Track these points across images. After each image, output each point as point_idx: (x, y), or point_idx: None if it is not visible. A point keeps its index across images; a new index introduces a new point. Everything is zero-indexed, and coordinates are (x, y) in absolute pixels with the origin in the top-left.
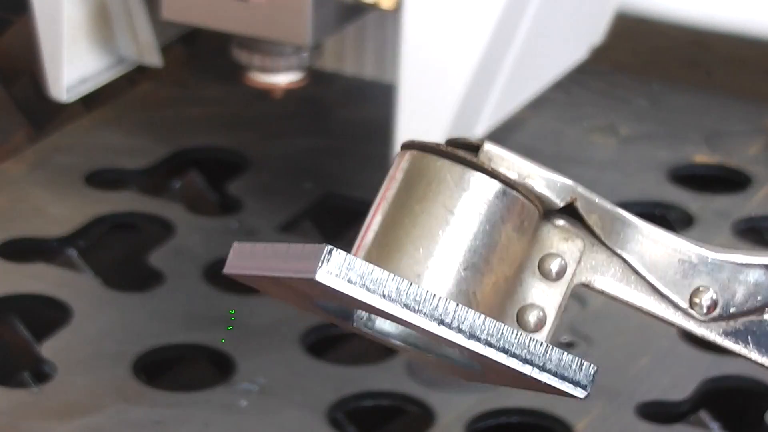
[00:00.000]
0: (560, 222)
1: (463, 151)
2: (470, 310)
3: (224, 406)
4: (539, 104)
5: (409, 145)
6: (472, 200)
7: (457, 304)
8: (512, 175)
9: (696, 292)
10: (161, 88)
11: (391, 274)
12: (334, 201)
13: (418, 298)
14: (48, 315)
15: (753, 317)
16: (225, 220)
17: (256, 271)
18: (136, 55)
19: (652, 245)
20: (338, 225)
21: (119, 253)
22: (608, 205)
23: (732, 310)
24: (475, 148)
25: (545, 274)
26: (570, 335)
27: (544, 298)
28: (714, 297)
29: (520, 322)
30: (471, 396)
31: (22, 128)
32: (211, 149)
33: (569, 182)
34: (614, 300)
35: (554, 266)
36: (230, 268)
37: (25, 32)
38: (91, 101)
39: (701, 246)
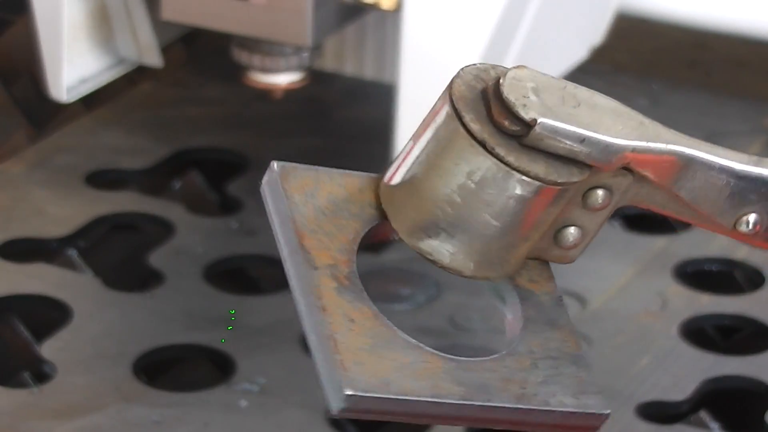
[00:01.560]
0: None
1: (511, 124)
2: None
3: (224, 406)
4: None
5: (454, 103)
6: (512, 198)
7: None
8: (563, 150)
9: (743, 215)
10: (161, 88)
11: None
12: None
13: (430, 409)
14: (48, 315)
15: None
16: (225, 220)
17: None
18: (136, 55)
19: (705, 182)
20: None
21: (119, 253)
22: (665, 151)
23: None
24: (525, 124)
25: (588, 206)
26: None
27: (585, 221)
28: (761, 219)
29: (558, 241)
30: None
31: (22, 128)
32: (211, 149)
33: (625, 146)
34: (658, 212)
35: (599, 198)
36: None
37: (25, 32)
38: (91, 101)
39: (761, 169)
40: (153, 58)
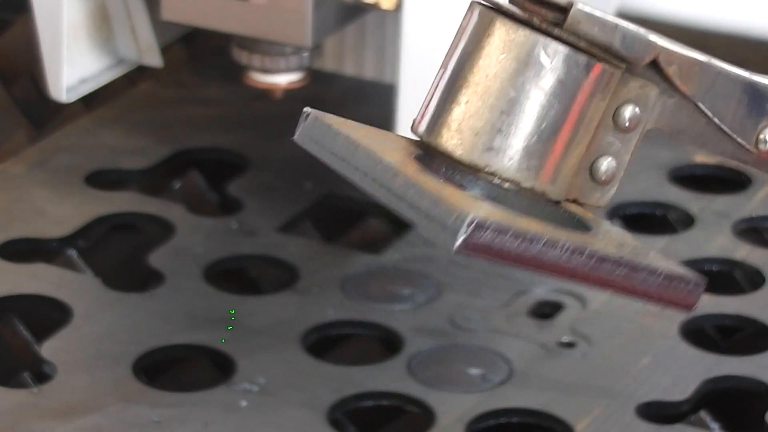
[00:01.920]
0: (638, 70)
1: (548, 11)
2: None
3: (224, 406)
4: None
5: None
6: (562, 77)
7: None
8: (599, 35)
9: (762, 130)
10: (161, 88)
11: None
12: (334, 201)
13: (543, 253)
14: (48, 315)
15: None
16: (225, 220)
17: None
18: (136, 55)
19: (726, 89)
20: (338, 225)
21: (119, 253)
22: (689, 53)
23: None
24: (561, 9)
25: (619, 125)
26: (570, 335)
27: (617, 149)
28: None
29: (593, 174)
30: (471, 396)
31: (22, 128)
32: (211, 149)
33: (654, 39)
34: (681, 139)
35: (629, 116)
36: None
37: (25, 32)
38: (91, 101)
39: None
40: (153, 58)
